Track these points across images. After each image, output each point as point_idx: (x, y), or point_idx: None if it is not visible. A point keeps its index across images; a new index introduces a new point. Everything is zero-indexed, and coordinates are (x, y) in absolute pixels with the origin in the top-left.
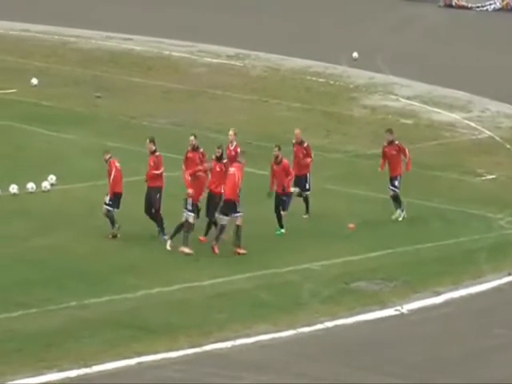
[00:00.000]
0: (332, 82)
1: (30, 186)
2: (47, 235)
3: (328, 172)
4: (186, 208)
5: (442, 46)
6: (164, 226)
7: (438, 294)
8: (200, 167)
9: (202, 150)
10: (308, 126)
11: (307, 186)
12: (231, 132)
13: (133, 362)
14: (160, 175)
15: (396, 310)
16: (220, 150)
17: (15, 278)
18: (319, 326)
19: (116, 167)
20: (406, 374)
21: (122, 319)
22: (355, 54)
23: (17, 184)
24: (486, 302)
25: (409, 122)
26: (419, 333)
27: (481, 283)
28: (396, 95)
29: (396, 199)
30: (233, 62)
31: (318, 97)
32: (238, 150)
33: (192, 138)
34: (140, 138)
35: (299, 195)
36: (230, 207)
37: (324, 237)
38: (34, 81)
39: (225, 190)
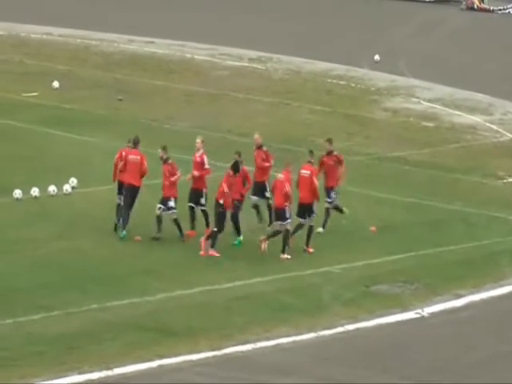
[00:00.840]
0: (353, 85)
1: (52, 188)
2: (68, 238)
3: (350, 174)
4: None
5: (464, 49)
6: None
7: (460, 296)
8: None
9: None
10: (329, 128)
11: (267, 194)
12: (198, 140)
13: (154, 364)
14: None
15: (417, 313)
16: (237, 156)
17: (37, 281)
18: (340, 329)
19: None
20: (426, 377)
21: (143, 322)
22: (377, 57)
23: (38, 187)
24: (508, 305)
25: (430, 124)
26: (440, 336)
27: (502, 286)
28: (417, 98)
29: (335, 209)
30: (254, 65)
31: (340, 99)
32: (204, 157)
33: (159, 150)
34: (161, 141)
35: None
36: (280, 215)
37: (345, 239)
38: (56, 84)
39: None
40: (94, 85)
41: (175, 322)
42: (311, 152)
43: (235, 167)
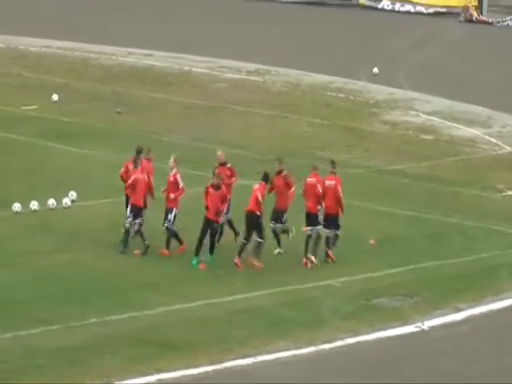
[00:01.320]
0: (352, 98)
1: (51, 202)
2: (68, 251)
3: (349, 187)
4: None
5: (462, 62)
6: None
7: (459, 310)
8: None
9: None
10: (328, 141)
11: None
12: (171, 159)
13: (153, 378)
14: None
15: (417, 326)
16: (279, 166)
17: (37, 294)
18: (340, 343)
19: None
20: None
21: (143, 336)
22: (375, 70)
23: (37, 200)
24: (507, 318)
25: (429, 137)
26: (440, 349)
27: (502, 299)
28: (416, 111)
29: (282, 233)
30: (253, 78)
31: (338, 112)
32: (178, 176)
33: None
34: (160, 154)
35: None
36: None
37: (345, 253)
38: (55, 97)
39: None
40: (92, 97)
41: (175, 336)
42: (333, 163)
43: (265, 178)
